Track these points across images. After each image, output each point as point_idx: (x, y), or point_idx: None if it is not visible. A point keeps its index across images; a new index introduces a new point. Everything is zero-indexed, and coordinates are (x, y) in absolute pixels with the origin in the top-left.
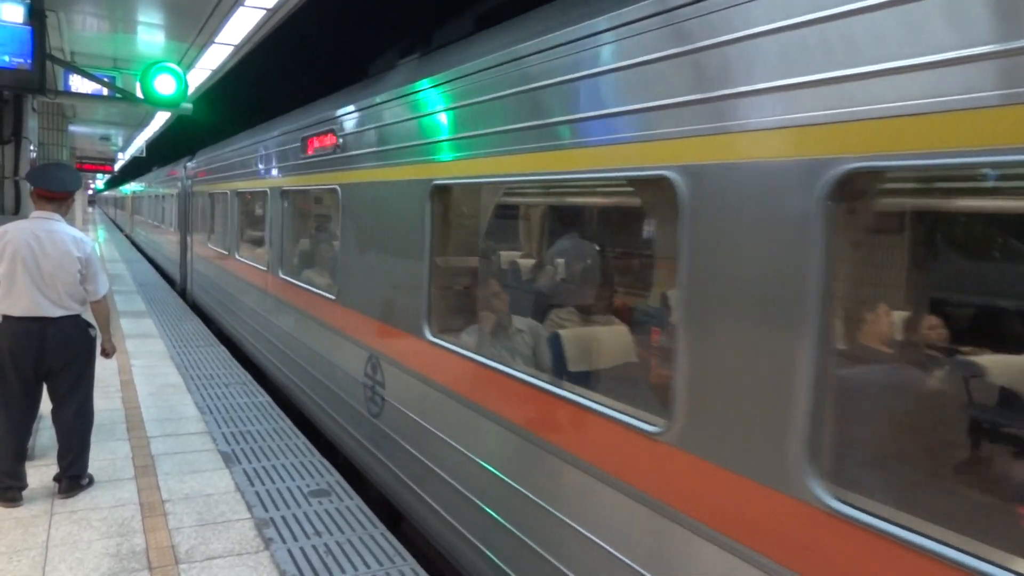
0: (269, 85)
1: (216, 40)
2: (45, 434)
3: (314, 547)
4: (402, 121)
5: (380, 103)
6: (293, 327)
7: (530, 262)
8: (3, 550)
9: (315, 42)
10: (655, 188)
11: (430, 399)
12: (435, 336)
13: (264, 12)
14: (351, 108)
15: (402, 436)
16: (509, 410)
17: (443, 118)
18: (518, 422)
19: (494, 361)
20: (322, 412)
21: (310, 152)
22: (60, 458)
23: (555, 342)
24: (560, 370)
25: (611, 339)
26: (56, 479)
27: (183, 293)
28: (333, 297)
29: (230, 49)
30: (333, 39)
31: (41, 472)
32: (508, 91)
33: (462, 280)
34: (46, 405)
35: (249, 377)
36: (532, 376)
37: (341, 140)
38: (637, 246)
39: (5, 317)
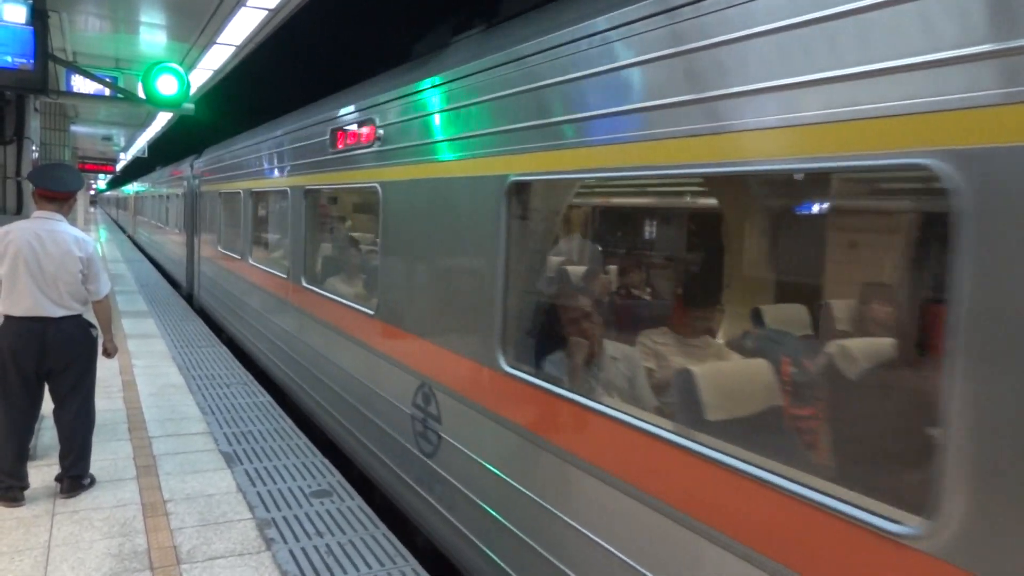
0: (271, 85)
1: (218, 40)
2: (47, 434)
3: (316, 547)
4: (466, 106)
5: (435, 87)
6: (318, 341)
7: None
8: (5, 550)
9: (318, 42)
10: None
11: (506, 443)
12: (513, 366)
13: (266, 12)
14: (395, 94)
15: (465, 483)
16: (627, 471)
17: (526, 100)
18: (647, 490)
19: (595, 401)
20: (355, 441)
21: (340, 146)
22: (62, 458)
23: (686, 381)
24: (695, 420)
25: (755, 377)
26: (58, 479)
27: (189, 298)
28: (371, 312)
29: (232, 49)
30: (336, 39)
31: (43, 472)
32: (636, 59)
33: (546, 297)
34: (48, 405)
35: (250, 377)
36: (654, 426)
37: (383, 131)
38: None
39: (7, 317)
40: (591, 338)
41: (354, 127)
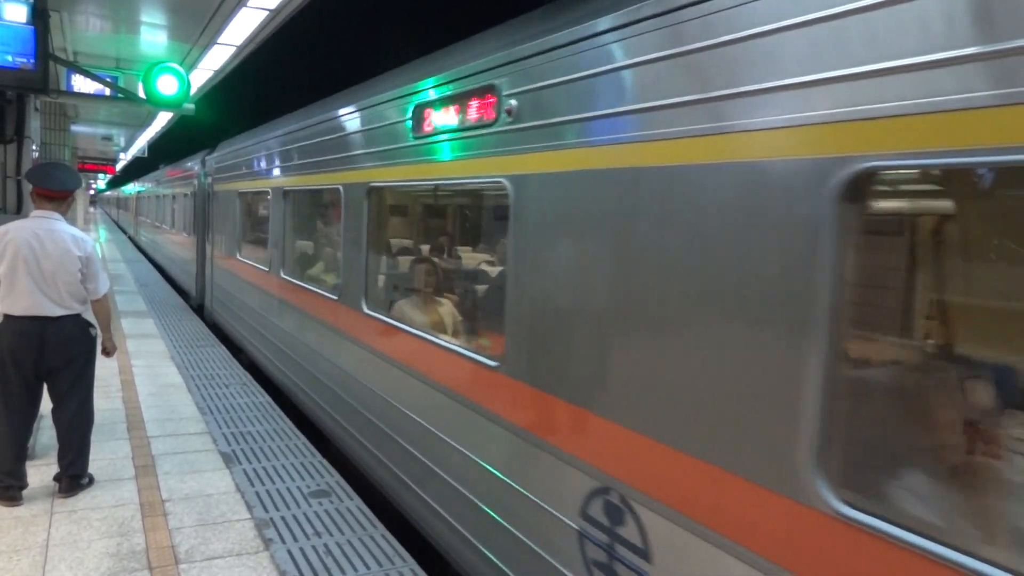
0: (273, 85)
1: (219, 41)
2: (45, 433)
3: (314, 547)
4: (740, 42)
5: (661, 13)
6: (391, 390)
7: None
8: (3, 549)
9: (319, 42)
10: None
11: None
12: (854, 503)
13: (267, 13)
14: (545, 45)
15: None
16: None
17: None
18: None
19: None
20: (464, 544)
21: (428, 129)
22: (60, 457)
23: None
24: None
25: None
26: (56, 478)
27: (200, 310)
28: (494, 364)
29: (232, 50)
30: (336, 39)
31: (41, 471)
32: None
33: (900, 380)
34: (46, 404)
35: (249, 377)
36: None
37: (515, 103)
38: None
39: (6, 316)
40: (991, 452)
41: (458, 101)
